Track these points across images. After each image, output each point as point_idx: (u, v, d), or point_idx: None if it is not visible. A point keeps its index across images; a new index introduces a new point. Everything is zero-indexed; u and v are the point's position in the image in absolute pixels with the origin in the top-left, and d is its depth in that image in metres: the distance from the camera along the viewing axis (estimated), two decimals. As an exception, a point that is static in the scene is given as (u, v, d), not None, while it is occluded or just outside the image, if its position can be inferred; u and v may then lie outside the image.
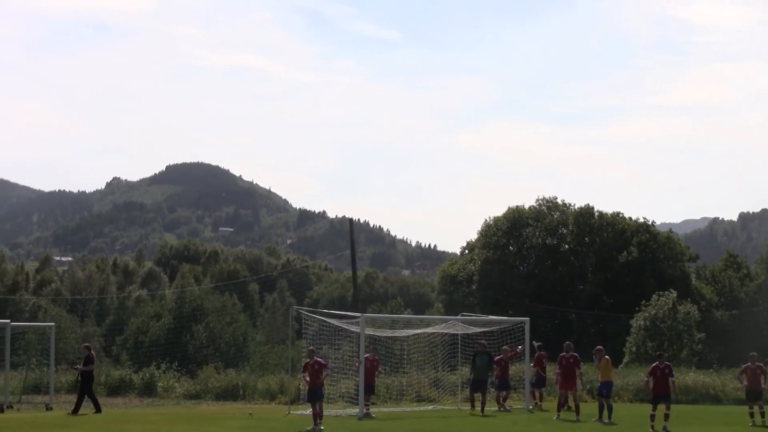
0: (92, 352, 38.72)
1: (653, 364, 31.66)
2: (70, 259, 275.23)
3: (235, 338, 79.77)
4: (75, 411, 36.74)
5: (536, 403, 40.76)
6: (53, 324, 48.98)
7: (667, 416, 30.01)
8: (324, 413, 31.12)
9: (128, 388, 51.30)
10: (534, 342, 41.25)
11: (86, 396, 37.35)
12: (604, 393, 33.75)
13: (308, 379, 30.61)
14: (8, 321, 45.50)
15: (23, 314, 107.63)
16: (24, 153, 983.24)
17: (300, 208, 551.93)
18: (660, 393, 30.68)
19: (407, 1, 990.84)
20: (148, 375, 52.64)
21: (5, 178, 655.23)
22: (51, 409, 39.85)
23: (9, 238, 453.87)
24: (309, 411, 31.61)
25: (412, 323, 49.12)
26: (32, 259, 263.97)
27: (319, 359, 31.15)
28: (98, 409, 37.07)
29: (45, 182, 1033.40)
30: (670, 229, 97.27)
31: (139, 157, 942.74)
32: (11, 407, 40.45)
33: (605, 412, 33.26)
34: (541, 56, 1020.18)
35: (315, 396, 30.41)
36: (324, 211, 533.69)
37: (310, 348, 32.24)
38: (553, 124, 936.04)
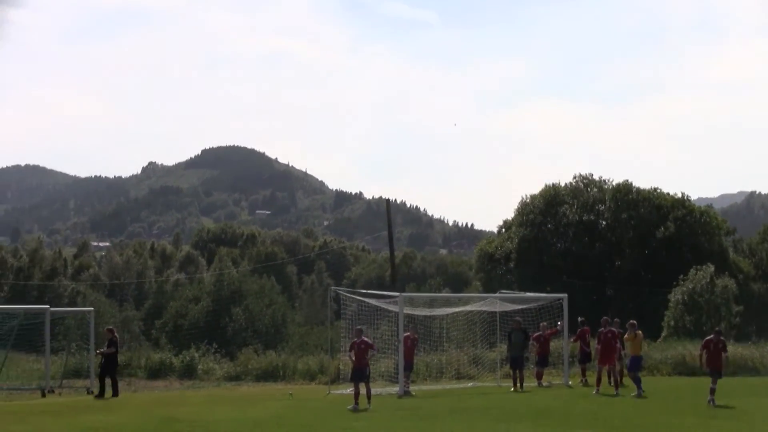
0: (116, 335, 38.79)
1: (707, 338, 31.46)
2: (107, 244, 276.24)
3: (274, 320, 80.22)
4: (114, 394, 36.97)
5: (583, 379, 40.53)
6: (92, 309, 49.37)
7: (712, 390, 29.80)
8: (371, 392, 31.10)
9: (168, 371, 51.60)
10: (578, 318, 41.15)
11: (105, 378, 37.51)
12: (630, 367, 33.76)
13: (354, 358, 30.63)
14: (47, 306, 45.84)
15: (62, 300, 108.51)
16: (59, 140, 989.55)
17: (336, 190, 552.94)
18: (710, 367, 30.43)
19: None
20: (188, 358, 52.90)
21: (42, 164, 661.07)
22: (92, 393, 40.02)
23: (46, 225, 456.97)
24: (350, 390, 31.66)
25: (450, 302, 49.03)
26: (70, 245, 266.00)
27: (366, 339, 31.10)
28: (116, 393, 37.21)
29: (81, 168, 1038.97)
30: (710, 204, 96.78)
31: (175, 141, 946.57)
32: (52, 392, 40.76)
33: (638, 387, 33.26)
34: (576, 35, 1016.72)
35: (359, 376, 30.38)
36: (360, 192, 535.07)
37: (358, 328, 32.05)
38: (588, 102, 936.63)
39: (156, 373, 51.46)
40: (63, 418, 28.31)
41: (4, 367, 43.61)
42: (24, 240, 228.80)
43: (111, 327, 40.86)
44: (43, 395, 39.57)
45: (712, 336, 31.10)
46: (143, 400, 35.64)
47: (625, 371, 35.44)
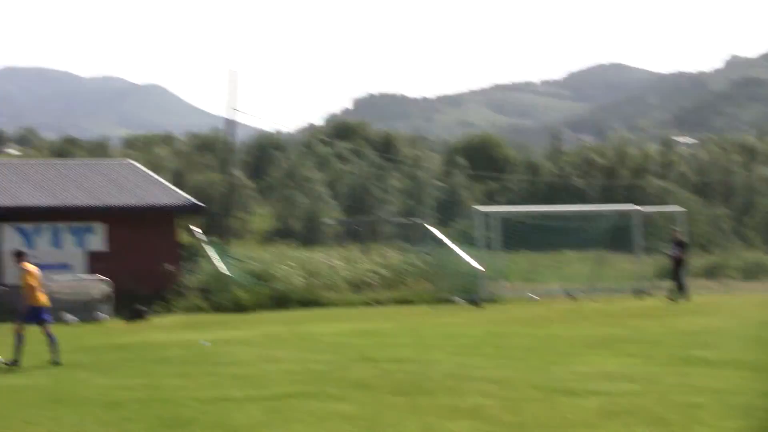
0: (681, 236, 38.80)
1: None
2: (688, 140, 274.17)
3: None
4: (678, 297, 36.42)
5: None
6: (680, 209, 48.68)
7: None
8: None
9: (763, 272, 50.29)
10: None
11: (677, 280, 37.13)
12: None
13: None
14: (636, 207, 46.28)
15: (649, 198, 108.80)
16: (634, 37, 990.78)
17: None
18: None
19: None
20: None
21: (623, 62, 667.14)
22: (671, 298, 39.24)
23: (628, 122, 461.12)
24: None
25: None
26: (652, 142, 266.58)
27: None
28: (685, 295, 36.59)
29: (662, 65, 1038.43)
30: None
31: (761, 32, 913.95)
32: (646, 293, 40.72)
33: None
34: None
35: None
36: None
37: None
38: None
39: (749, 273, 50.35)
40: (657, 320, 28.30)
41: (601, 268, 44.39)
42: (608, 138, 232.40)
43: (676, 228, 40.66)
44: (637, 297, 39.74)
45: None
46: (737, 303, 34.91)
47: None
